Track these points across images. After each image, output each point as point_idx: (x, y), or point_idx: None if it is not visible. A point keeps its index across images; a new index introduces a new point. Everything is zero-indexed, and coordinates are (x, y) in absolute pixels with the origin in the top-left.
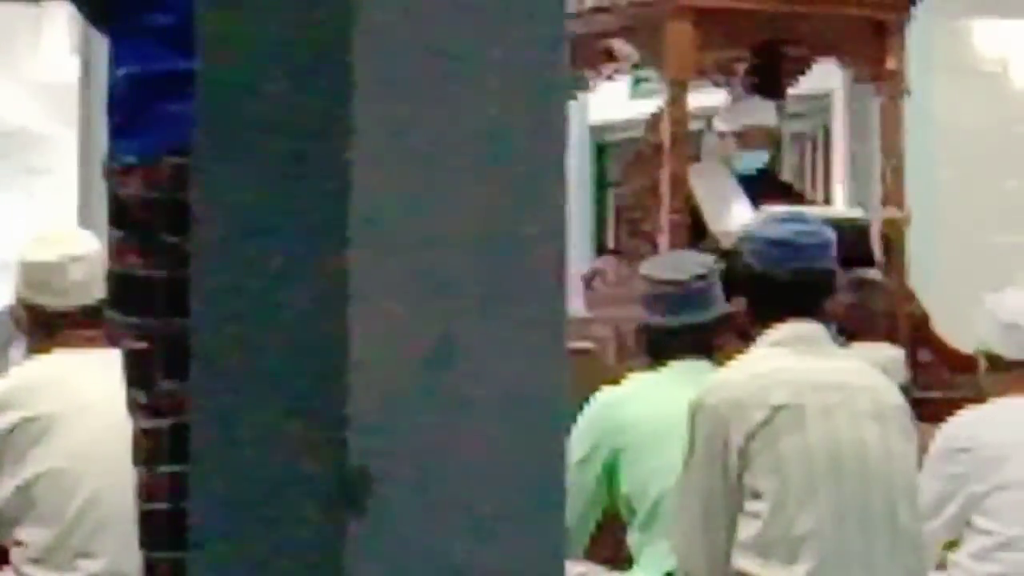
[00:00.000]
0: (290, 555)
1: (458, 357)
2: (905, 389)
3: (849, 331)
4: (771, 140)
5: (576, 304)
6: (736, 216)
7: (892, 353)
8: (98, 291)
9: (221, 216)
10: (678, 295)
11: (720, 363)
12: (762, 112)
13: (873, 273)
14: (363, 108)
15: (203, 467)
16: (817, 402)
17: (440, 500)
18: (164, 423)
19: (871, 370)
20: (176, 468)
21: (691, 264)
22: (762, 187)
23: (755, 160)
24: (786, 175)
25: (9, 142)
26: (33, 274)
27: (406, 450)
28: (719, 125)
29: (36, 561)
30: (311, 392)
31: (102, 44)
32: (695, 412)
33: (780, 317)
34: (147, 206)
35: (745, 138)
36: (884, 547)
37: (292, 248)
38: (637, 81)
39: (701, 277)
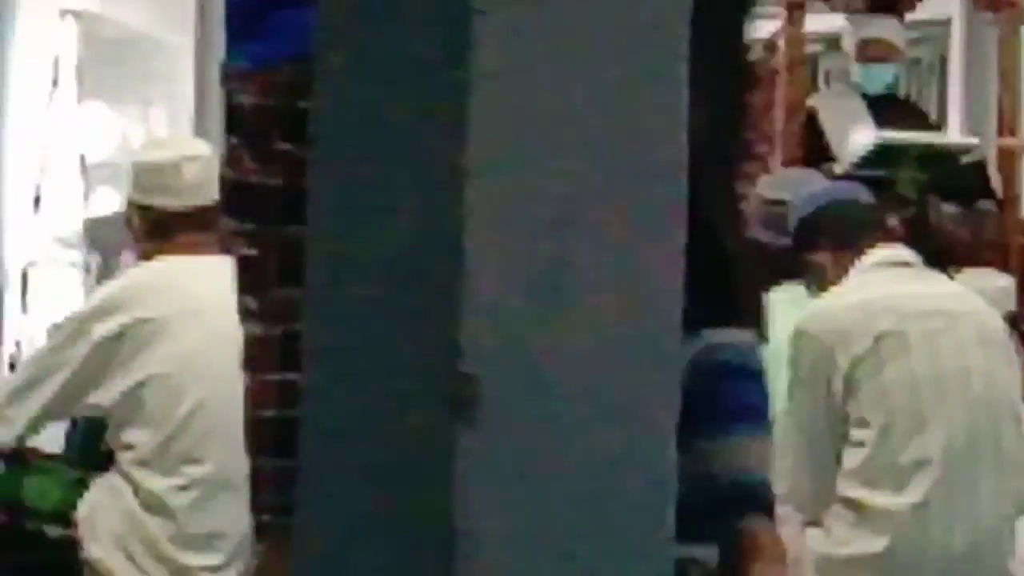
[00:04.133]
0: (401, 465)
1: (571, 272)
2: (1013, 318)
3: (960, 260)
4: (897, 55)
5: None
6: (858, 141)
7: (1001, 282)
8: (211, 193)
9: (338, 128)
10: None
11: (817, 291)
12: (886, 26)
13: (985, 203)
14: (486, 35)
15: (315, 377)
16: (920, 328)
17: (550, 413)
18: (276, 330)
19: (972, 295)
20: (285, 376)
21: (808, 185)
22: (888, 110)
23: (882, 76)
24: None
25: (125, 49)
26: (147, 175)
27: (516, 364)
28: (846, 41)
29: (142, 464)
30: (424, 306)
31: None
32: (797, 340)
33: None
34: (263, 113)
35: (869, 52)
36: (990, 472)
37: (408, 166)
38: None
39: None
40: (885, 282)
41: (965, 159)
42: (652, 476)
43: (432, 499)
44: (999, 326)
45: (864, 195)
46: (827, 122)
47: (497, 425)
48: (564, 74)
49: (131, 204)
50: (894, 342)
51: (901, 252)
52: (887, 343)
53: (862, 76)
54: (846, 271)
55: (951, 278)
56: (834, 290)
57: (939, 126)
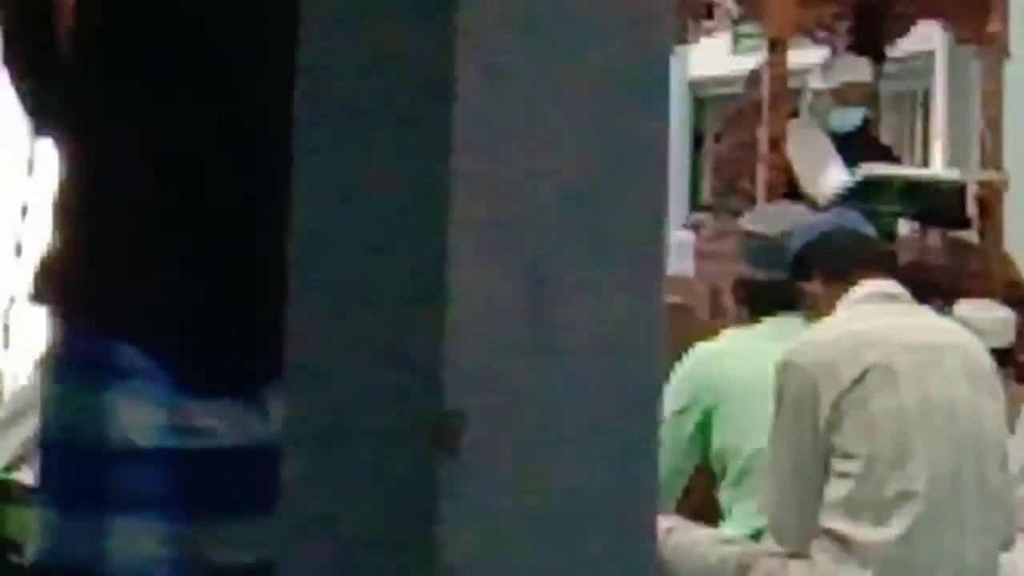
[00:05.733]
0: (382, 495)
1: (554, 302)
2: (1008, 351)
3: (943, 292)
4: (867, 97)
5: (675, 263)
6: (830, 178)
7: (1000, 314)
8: None
9: (321, 161)
10: (778, 249)
11: (814, 319)
12: (858, 69)
13: (968, 235)
14: (464, 49)
15: (295, 400)
16: (907, 361)
17: (534, 446)
18: None
19: (960, 328)
20: None
21: (792, 218)
22: (858, 148)
23: (851, 118)
24: (885, 136)
25: None
26: None
27: (500, 394)
28: (814, 83)
29: None
30: (405, 335)
31: None
32: (783, 372)
33: (854, 277)
34: None
35: (842, 95)
36: (975, 509)
37: (390, 194)
38: (738, 37)
39: None
40: (873, 315)
41: (944, 189)
42: (636, 503)
43: (415, 537)
44: (986, 360)
45: (863, 225)
46: (794, 158)
47: (481, 462)
48: (544, 122)
49: None
50: (881, 375)
51: (889, 286)
52: (873, 376)
53: (834, 117)
54: (838, 302)
55: (948, 310)
56: (822, 322)
57: (900, 159)
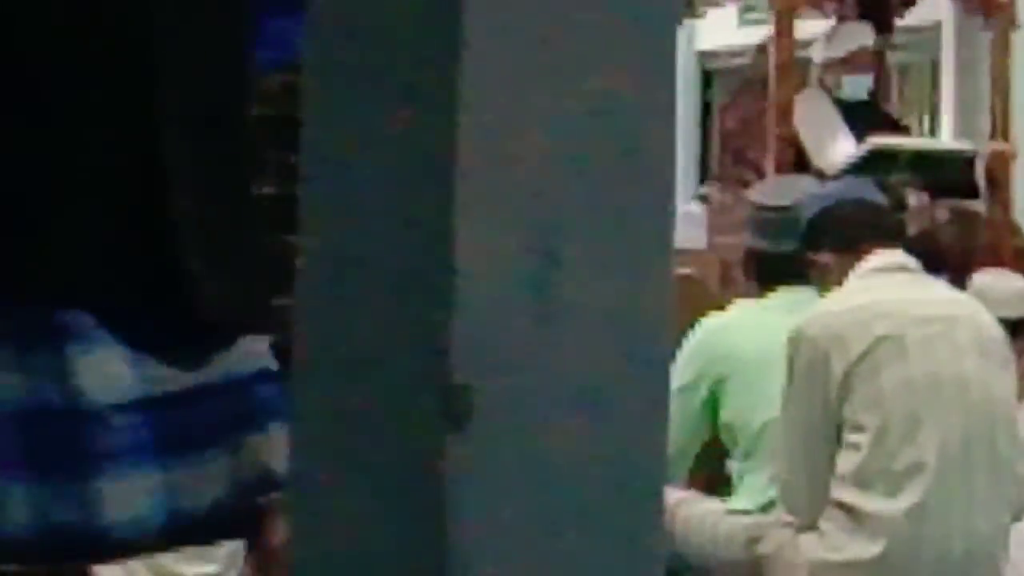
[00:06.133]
0: (391, 472)
1: (562, 276)
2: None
3: (952, 263)
4: (874, 61)
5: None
6: (839, 149)
7: (1019, 284)
8: None
9: (330, 135)
10: (786, 220)
11: (824, 291)
12: (862, 34)
13: (976, 205)
14: (474, 35)
15: (303, 382)
16: (917, 333)
17: (541, 420)
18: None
19: (970, 300)
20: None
21: (801, 190)
22: (866, 119)
23: (859, 87)
24: (893, 107)
25: None
26: None
27: (508, 370)
28: (818, 53)
29: None
30: (413, 310)
31: None
32: (794, 343)
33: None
34: (256, 122)
35: (850, 62)
36: (985, 479)
37: (399, 169)
38: (746, 9)
39: None
40: (883, 287)
41: (953, 159)
42: (645, 483)
43: (424, 510)
44: (997, 331)
45: (874, 195)
46: (802, 129)
47: (489, 435)
48: (552, 95)
49: None
50: (891, 346)
51: (899, 257)
52: (884, 347)
53: (841, 86)
54: (848, 273)
55: (964, 280)
56: (833, 294)
57: (908, 129)
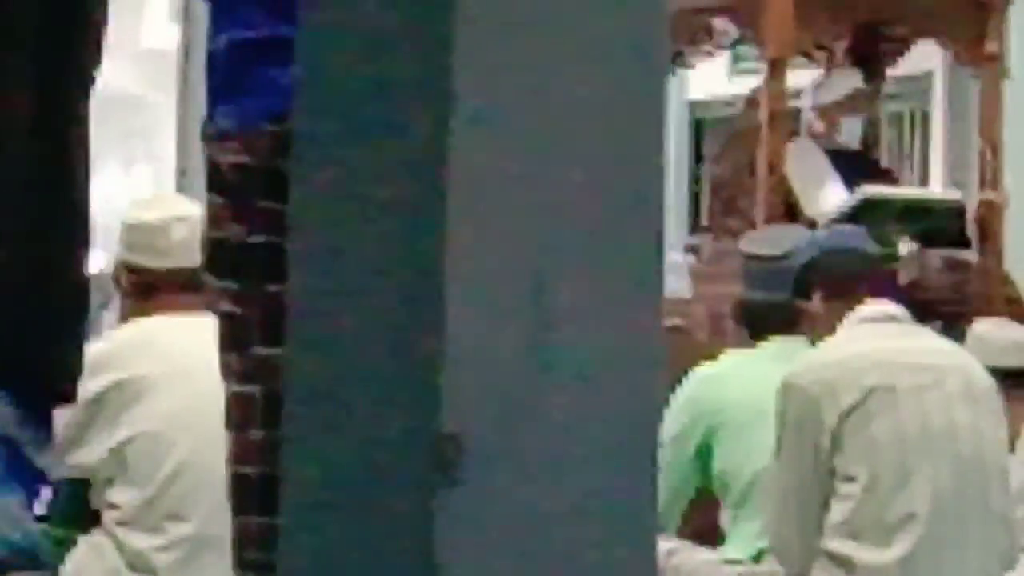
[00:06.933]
0: (382, 525)
1: (553, 327)
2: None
3: (943, 312)
4: (865, 105)
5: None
6: (830, 198)
7: (1018, 333)
8: (200, 254)
9: (319, 183)
10: (777, 271)
11: (815, 340)
12: (851, 80)
13: (968, 255)
14: (463, 75)
15: (294, 432)
16: (908, 383)
17: (532, 471)
18: (256, 389)
19: (959, 350)
20: (267, 433)
21: (791, 240)
22: (857, 168)
23: (851, 134)
24: (884, 156)
25: (108, 106)
26: (136, 235)
27: (499, 421)
28: (807, 102)
29: (127, 522)
30: (404, 362)
31: (202, 12)
32: (785, 393)
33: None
34: (244, 172)
35: (840, 109)
36: (977, 530)
37: (390, 215)
38: (736, 58)
39: None
40: (874, 336)
41: (943, 209)
42: (636, 525)
43: (414, 555)
44: (987, 381)
45: (865, 244)
46: (794, 178)
47: (479, 482)
48: (543, 147)
49: (119, 263)
50: (882, 397)
51: (890, 307)
52: (875, 398)
53: (832, 134)
54: (838, 322)
55: (962, 329)
56: (823, 344)
57: (897, 179)
